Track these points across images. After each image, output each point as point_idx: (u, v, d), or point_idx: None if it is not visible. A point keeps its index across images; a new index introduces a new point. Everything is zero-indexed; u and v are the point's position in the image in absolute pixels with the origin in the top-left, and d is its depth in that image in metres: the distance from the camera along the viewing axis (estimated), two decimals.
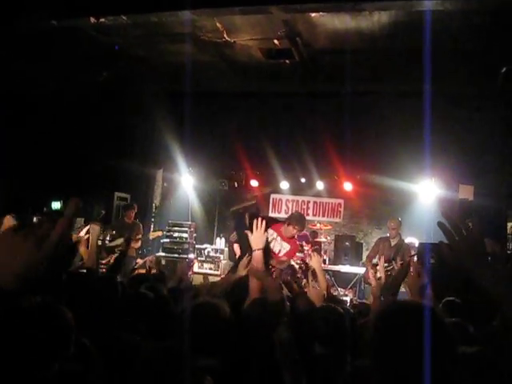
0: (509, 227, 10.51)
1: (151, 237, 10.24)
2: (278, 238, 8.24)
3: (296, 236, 11.84)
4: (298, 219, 8.23)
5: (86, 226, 8.57)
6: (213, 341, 2.74)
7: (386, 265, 8.75)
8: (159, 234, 10.49)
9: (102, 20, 7.72)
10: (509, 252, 9.73)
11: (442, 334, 1.74)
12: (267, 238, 6.26)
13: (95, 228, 6.59)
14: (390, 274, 8.55)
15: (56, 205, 10.62)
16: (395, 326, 1.77)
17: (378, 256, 9.14)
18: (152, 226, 13.18)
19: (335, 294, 10.20)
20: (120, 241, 9.50)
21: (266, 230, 4.23)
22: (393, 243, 9.27)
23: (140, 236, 10.16)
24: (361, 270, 10.80)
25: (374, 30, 8.24)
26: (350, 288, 11.35)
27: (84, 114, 10.58)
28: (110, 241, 9.87)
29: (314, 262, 5.61)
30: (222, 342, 2.77)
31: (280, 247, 8.19)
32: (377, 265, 8.92)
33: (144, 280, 5.13)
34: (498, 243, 8.88)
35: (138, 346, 2.84)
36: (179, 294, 4.54)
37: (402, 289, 7.30)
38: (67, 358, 2.33)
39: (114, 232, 9.81)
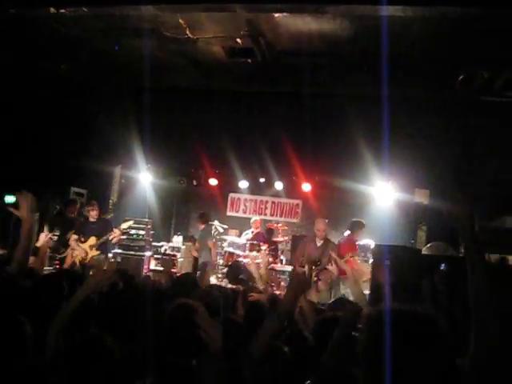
0: None
1: (123, 226, 10.27)
2: None
3: (253, 235, 12.01)
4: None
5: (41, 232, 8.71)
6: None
7: (313, 267, 8.96)
8: (131, 223, 10.57)
9: (63, 11, 7.58)
10: (461, 255, 9.93)
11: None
12: None
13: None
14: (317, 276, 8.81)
15: (10, 198, 10.40)
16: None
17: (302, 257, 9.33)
18: None
19: None
20: (71, 234, 9.70)
21: None
22: (318, 244, 9.32)
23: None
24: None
25: (336, 33, 8.30)
26: None
27: (41, 107, 10.38)
28: (59, 236, 9.81)
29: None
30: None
31: None
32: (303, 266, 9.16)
33: None
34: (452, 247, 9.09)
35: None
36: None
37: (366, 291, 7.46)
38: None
39: (59, 228, 9.80)
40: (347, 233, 10.37)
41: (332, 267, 8.70)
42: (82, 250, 9.50)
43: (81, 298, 3.38)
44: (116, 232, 9.79)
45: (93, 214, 9.89)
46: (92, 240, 9.54)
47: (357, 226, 10.10)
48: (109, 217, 10.60)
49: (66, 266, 9.13)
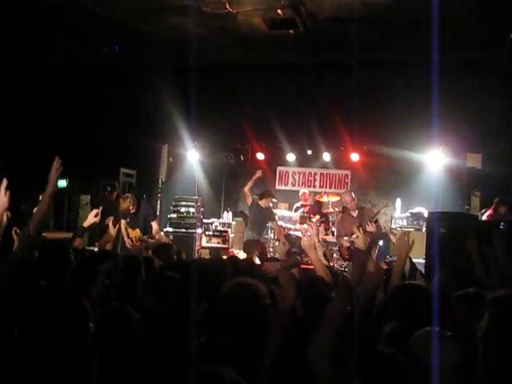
0: None
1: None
2: None
3: (303, 208, 11.94)
4: None
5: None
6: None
7: (354, 236, 8.93)
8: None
9: None
10: None
11: None
12: None
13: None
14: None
15: (62, 183, 10.59)
16: None
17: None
18: (159, 202, 13.17)
19: (344, 265, 10.23)
20: (110, 219, 9.27)
21: None
22: (354, 214, 9.40)
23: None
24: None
25: None
26: None
27: (87, 90, 10.50)
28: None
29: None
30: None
31: None
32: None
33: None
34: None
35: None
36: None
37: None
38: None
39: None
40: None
41: (371, 227, 8.72)
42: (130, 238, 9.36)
43: None
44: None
45: (125, 207, 9.27)
46: (137, 232, 9.33)
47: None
48: (143, 197, 10.13)
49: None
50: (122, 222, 9.43)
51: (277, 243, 11.36)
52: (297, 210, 12.21)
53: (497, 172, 10.12)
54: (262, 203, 10.56)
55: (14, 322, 2.40)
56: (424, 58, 8.17)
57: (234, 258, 6.13)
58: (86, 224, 6.64)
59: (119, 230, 7.87)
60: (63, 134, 10.26)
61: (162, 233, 10.42)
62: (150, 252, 7.09)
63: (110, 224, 7.56)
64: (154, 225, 9.48)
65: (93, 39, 9.72)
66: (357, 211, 9.40)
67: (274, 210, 12.24)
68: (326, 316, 2.60)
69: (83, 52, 9.90)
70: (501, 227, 6.89)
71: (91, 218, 6.95)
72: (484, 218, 9.30)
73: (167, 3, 8.46)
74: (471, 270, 4.90)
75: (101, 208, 7.37)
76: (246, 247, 10.86)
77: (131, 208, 9.42)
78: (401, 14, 8.53)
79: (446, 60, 8.89)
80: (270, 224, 12.01)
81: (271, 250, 11.52)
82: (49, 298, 2.76)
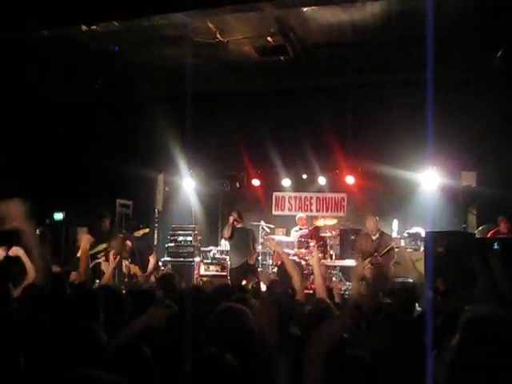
0: None
1: (138, 235, 9.68)
2: None
3: (299, 233, 11.91)
4: None
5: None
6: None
7: (369, 259, 9.01)
8: (146, 230, 9.95)
9: (94, 27, 7.68)
10: None
11: None
12: None
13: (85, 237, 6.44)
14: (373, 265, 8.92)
15: (58, 216, 10.55)
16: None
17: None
18: (156, 232, 13.12)
19: (344, 288, 10.19)
20: (102, 246, 8.87)
21: None
22: (374, 238, 9.50)
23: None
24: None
25: (367, 21, 8.20)
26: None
27: (82, 122, 10.53)
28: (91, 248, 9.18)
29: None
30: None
31: None
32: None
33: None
34: None
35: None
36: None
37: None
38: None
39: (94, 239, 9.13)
40: None
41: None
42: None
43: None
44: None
45: (118, 250, 9.33)
46: (135, 269, 9.21)
47: None
48: (143, 232, 9.96)
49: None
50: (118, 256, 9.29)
51: (275, 269, 11.29)
52: (295, 234, 12.18)
53: (492, 189, 10.14)
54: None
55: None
56: (415, 77, 8.24)
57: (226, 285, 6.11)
58: (79, 254, 6.54)
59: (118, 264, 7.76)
60: (58, 167, 10.26)
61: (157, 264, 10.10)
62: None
63: (111, 256, 7.51)
64: (151, 259, 9.32)
65: (86, 71, 9.79)
66: (377, 235, 9.50)
67: (272, 236, 12.23)
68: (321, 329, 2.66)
69: (77, 84, 9.97)
70: (495, 247, 6.91)
71: (84, 245, 6.74)
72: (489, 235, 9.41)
73: (159, 34, 8.54)
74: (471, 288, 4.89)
75: (92, 240, 7.24)
76: (230, 275, 10.79)
77: (124, 250, 9.26)
78: (390, 35, 8.62)
79: (438, 79, 8.95)
80: (269, 250, 11.96)
81: (271, 276, 11.48)
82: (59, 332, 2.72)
